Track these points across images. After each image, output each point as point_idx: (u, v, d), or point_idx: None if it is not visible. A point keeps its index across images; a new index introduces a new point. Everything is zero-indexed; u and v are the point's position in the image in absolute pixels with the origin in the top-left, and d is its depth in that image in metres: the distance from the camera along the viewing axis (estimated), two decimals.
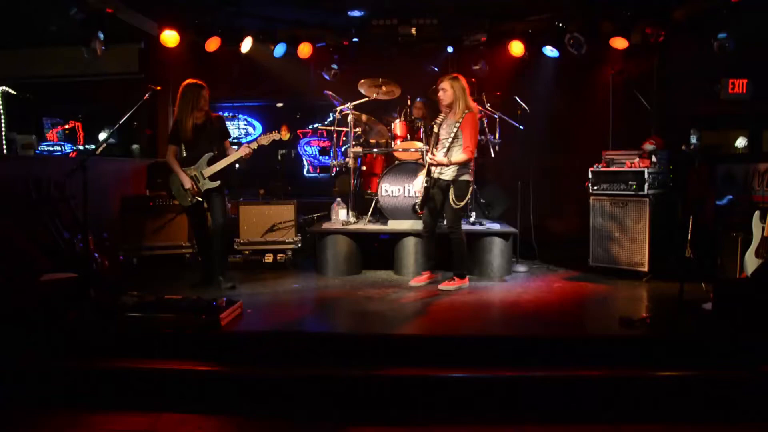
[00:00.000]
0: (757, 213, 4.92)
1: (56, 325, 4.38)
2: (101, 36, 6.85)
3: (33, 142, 7.79)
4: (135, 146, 9.36)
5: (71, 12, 6.61)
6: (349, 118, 7.23)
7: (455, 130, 5.49)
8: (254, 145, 5.69)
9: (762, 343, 3.99)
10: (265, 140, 5.72)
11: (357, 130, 7.55)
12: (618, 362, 4.02)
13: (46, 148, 10.58)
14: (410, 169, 6.81)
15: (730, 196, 6.14)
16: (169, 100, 8.88)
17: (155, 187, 7.56)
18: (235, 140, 10.05)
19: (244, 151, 5.61)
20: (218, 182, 5.60)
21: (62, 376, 4.03)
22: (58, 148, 10.71)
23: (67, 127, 10.84)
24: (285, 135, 5.45)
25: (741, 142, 7.69)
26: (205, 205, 5.71)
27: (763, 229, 4.82)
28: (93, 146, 10.55)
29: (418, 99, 7.83)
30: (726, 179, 6.28)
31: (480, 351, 4.16)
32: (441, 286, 5.70)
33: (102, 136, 10.50)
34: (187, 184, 5.54)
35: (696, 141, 7.32)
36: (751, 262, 4.87)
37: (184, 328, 4.29)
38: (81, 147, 10.72)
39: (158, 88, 5.70)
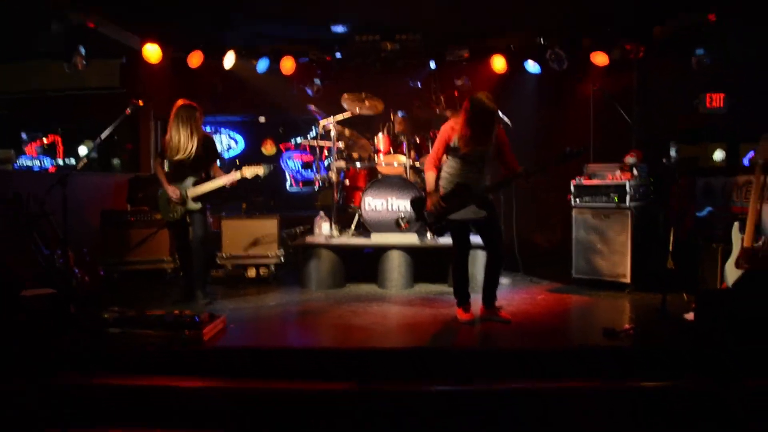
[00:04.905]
0: (736, 224, 4.97)
1: (40, 341, 4.31)
2: (83, 50, 6.81)
3: (11, 156, 7.72)
4: (116, 160, 9.30)
5: (52, 27, 6.56)
6: (332, 132, 7.23)
7: None
8: (238, 176, 5.69)
9: (744, 354, 4.02)
10: (249, 173, 5.71)
11: (340, 144, 7.54)
12: (602, 373, 4.02)
13: (25, 163, 10.47)
14: (393, 183, 6.82)
15: (710, 208, 6.22)
16: (151, 115, 8.84)
17: (136, 201, 7.47)
18: None
19: (229, 179, 5.62)
20: (200, 204, 5.62)
21: (42, 394, 3.95)
22: (38, 162, 10.60)
23: (46, 141, 10.74)
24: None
25: (718, 155, 7.80)
26: (188, 220, 5.71)
27: (742, 239, 4.87)
28: (73, 160, 10.46)
29: (399, 113, 7.85)
30: (706, 191, 6.37)
31: (463, 364, 4.16)
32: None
33: (82, 150, 10.42)
34: (173, 194, 5.52)
35: (675, 154, 7.43)
36: (731, 272, 4.91)
37: (166, 343, 4.24)
38: (61, 161, 10.62)
39: (140, 103, 5.66)
